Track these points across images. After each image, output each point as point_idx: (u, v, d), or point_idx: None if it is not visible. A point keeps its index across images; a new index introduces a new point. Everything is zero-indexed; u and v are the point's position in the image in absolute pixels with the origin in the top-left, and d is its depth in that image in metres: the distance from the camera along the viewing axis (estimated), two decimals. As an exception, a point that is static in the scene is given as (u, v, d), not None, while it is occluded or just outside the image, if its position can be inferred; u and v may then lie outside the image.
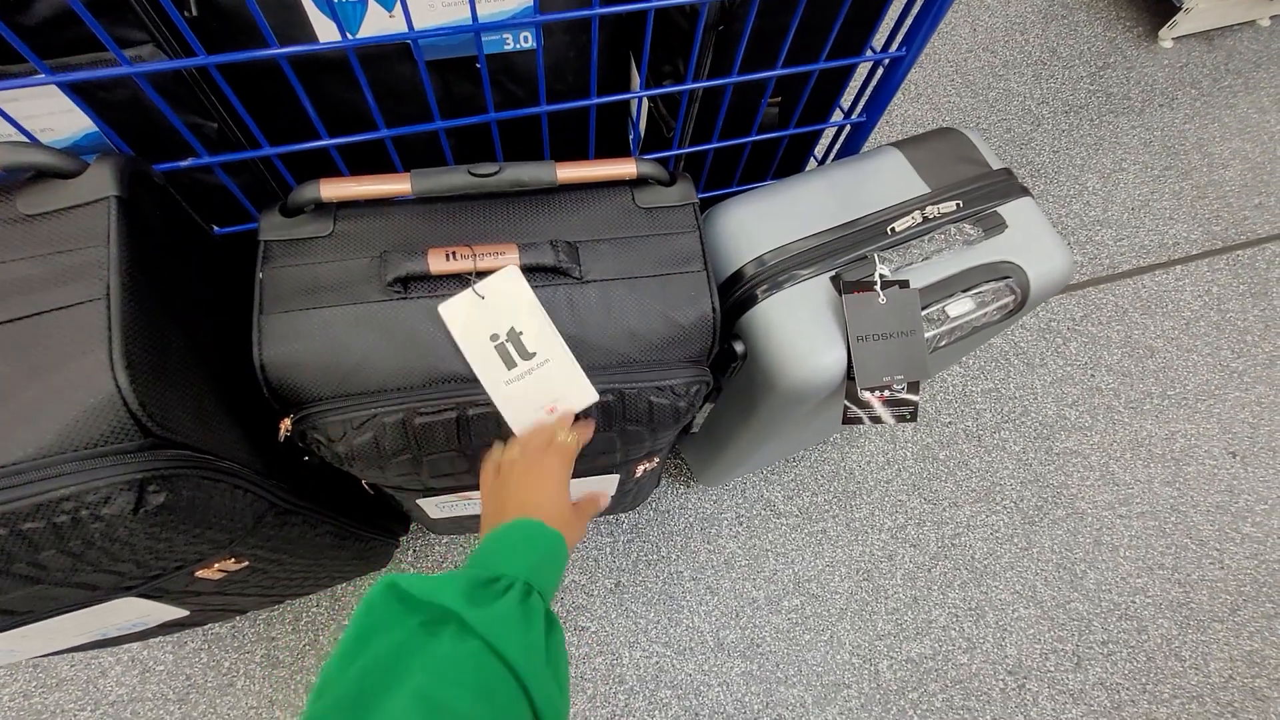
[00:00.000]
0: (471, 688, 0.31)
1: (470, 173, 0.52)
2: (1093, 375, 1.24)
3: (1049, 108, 1.49)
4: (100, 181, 0.42)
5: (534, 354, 0.51)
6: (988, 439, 1.17)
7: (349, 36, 0.50)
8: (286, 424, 0.50)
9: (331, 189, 0.50)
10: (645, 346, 0.53)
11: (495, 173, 0.52)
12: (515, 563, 0.40)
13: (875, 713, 0.98)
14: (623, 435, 0.58)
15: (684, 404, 0.56)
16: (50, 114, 0.53)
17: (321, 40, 0.51)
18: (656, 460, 0.72)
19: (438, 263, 0.50)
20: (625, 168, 0.54)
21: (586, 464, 0.64)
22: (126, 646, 0.94)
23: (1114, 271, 1.34)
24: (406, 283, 0.50)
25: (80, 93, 0.52)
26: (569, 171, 0.53)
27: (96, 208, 0.41)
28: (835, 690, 0.99)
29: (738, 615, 1.02)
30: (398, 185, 0.51)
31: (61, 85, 0.46)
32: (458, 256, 0.50)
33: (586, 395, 0.52)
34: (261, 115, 0.55)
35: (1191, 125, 1.50)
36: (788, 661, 1.00)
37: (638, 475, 0.73)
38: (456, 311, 0.49)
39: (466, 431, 0.52)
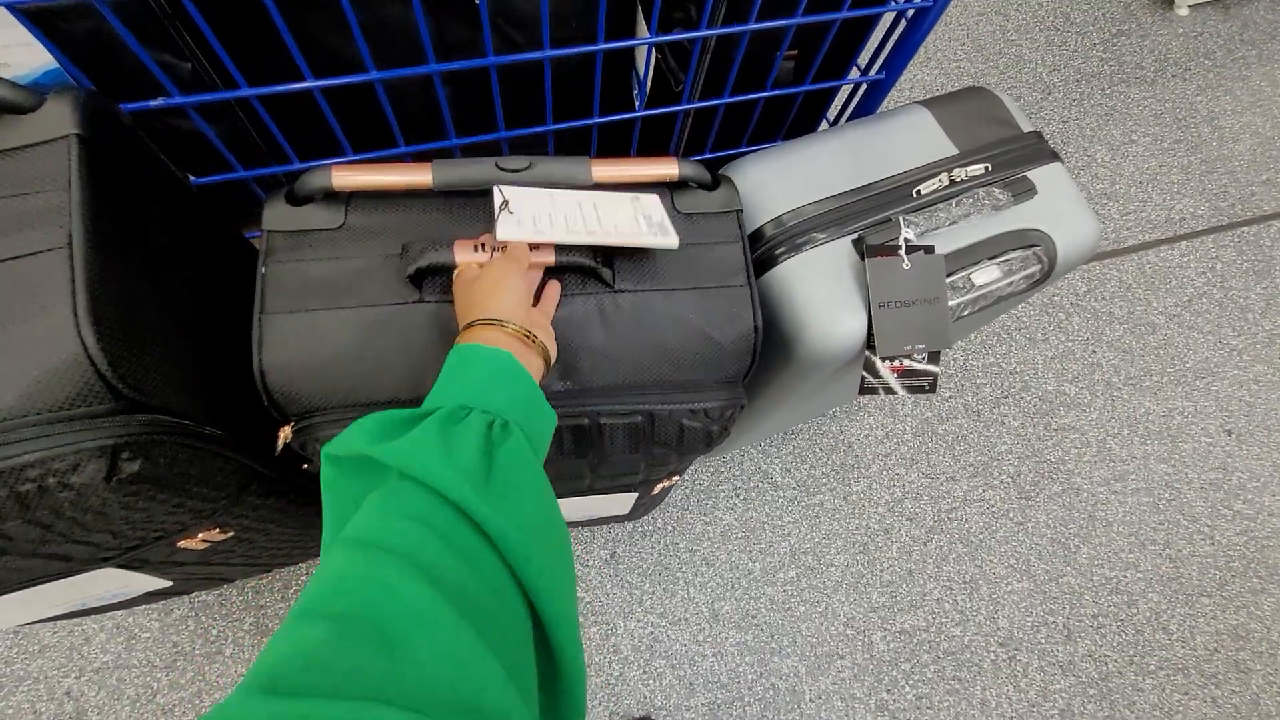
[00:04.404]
0: (399, 532, 0.27)
1: (498, 166, 0.47)
2: (1094, 351, 1.23)
3: (1060, 75, 1.45)
4: (59, 118, 0.38)
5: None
6: (987, 414, 1.16)
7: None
8: (286, 432, 0.46)
9: (344, 178, 0.45)
10: (679, 365, 0.48)
11: (525, 168, 0.47)
12: (450, 392, 0.36)
13: (868, 683, 0.98)
14: (649, 457, 0.54)
15: (716, 428, 0.51)
16: (6, 46, 0.48)
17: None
18: (677, 478, 0.68)
19: (464, 254, 0.45)
20: (667, 169, 0.50)
21: (607, 483, 0.60)
22: (111, 613, 0.92)
23: (1119, 246, 1.32)
24: (422, 280, 0.46)
25: (38, 22, 0.47)
26: (605, 170, 0.48)
27: (55, 147, 0.37)
28: (829, 661, 0.99)
29: (733, 586, 1.01)
30: (418, 176, 0.46)
31: (11, 8, 0.41)
32: (486, 248, 0.45)
33: None
34: (239, 57, 0.51)
35: (1203, 97, 1.47)
36: (782, 632, 1.00)
37: (655, 493, 0.70)
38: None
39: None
